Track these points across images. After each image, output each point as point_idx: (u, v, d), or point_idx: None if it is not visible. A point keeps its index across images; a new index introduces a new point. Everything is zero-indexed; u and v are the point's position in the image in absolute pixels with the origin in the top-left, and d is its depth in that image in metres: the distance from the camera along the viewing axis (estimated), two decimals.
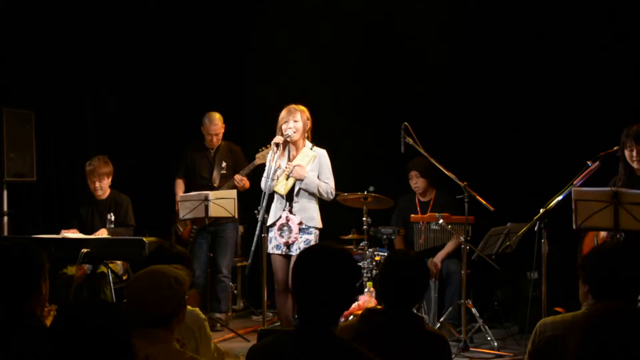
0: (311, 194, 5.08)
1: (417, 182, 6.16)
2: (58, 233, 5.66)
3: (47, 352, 2.00)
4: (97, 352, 1.95)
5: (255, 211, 5.06)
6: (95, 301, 2.14)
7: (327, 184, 5.12)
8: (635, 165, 4.61)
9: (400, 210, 6.30)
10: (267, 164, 5.17)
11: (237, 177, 6.17)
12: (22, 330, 2.53)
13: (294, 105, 5.13)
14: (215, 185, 6.33)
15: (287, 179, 5.07)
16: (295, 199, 5.08)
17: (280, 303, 5.17)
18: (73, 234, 5.67)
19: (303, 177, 5.04)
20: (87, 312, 2.02)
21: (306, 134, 5.16)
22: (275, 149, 5.07)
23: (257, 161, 6.01)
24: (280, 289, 5.11)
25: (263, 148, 5.91)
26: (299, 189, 5.07)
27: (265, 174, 5.12)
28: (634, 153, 4.58)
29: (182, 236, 6.43)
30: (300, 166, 5.06)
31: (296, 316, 5.29)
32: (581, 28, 6.16)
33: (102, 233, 5.80)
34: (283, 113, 5.12)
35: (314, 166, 5.11)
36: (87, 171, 5.97)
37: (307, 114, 5.15)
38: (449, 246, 6.00)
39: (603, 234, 4.59)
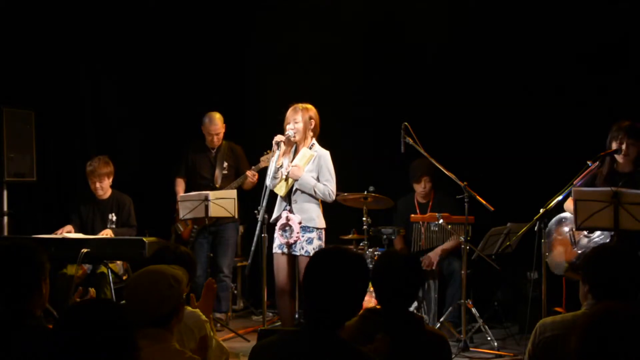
0: (310, 194, 5.07)
1: (426, 187, 6.14)
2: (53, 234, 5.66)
3: (48, 352, 2.00)
4: (101, 353, 1.95)
5: (255, 211, 5.06)
6: (99, 301, 2.13)
7: (325, 186, 5.04)
8: (620, 159, 4.58)
9: (399, 212, 6.28)
10: (270, 162, 5.16)
11: (249, 173, 6.15)
12: (22, 330, 2.53)
13: (299, 105, 5.09)
14: (217, 185, 6.33)
15: (286, 179, 5.07)
16: (294, 199, 5.07)
17: (281, 303, 5.15)
18: (71, 233, 5.67)
19: (298, 178, 5.02)
20: (90, 311, 2.01)
21: (310, 133, 5.12)
22: (276, 147, 5.06)
23: (262, 164, 6.00)
24: (281, 288, 5.09)
25: (268, 151, 5.90)
26: (296, 189, 5.06)
27: (268, 172, 5.12)
28: (623, 146, 4.55)
29: (183, 236, 6.42)
30: (297, 167, 5.04)
31: (297, 316, 5.30)
32: (581, 29, 6.15)
33: (107, 233, 5.80)
34: (288, 112, 5.10)
35: (313, 166, 5.06)
36: (88, 172, 5.96)
37: (310, 113, 5.09)
38: (447, 244, 5.99)
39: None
